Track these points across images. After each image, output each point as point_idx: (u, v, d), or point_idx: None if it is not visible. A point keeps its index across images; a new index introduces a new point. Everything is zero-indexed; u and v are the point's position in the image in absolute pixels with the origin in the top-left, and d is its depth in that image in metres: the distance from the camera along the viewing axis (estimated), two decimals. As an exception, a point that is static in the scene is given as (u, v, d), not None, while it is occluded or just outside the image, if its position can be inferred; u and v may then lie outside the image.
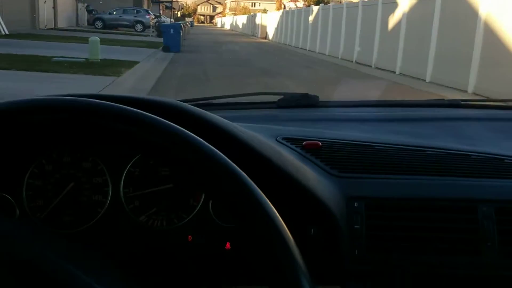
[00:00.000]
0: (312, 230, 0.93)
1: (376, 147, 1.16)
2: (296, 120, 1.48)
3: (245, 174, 0.60)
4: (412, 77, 12.89)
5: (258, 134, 0.97)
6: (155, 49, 18.69)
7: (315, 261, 0.82)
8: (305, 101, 1.58)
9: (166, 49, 18.33)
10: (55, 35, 22.07)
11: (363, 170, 1.06)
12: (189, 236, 1.00)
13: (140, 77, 10.84)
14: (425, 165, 1.09)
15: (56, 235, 0.75)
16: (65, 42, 18.10)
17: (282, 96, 1.59)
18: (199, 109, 0.90)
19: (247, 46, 25.95)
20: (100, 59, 12.48)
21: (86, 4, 38.75)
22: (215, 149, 0.61)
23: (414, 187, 1.03)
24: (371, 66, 15.72)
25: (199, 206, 1.00)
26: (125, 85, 9.38)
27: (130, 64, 12.54)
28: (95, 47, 12.31)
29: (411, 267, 0.96)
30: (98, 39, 12.44)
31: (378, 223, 0.98)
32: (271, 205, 0.59)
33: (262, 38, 37.59)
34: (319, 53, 22.09)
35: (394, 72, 14.07)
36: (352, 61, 17.36)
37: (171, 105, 0.87)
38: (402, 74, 13.57)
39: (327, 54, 20.84)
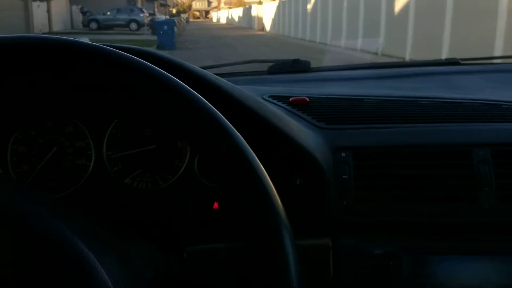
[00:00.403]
0: (298, 180, 0.92)
1: (365, 100, 1.15)
2: (285, 82, 1.46)
3: (224, 117, 0.58)
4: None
5: (244, 90, 0.93)
6: (149, 47, 18.06)
7: (303, 214, 0.88)
8: (297, 66, 1.56)
9: (160, 47, 17.73)
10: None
11: (351, 121, 1.04)
12: (175, 198, 0.98)
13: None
14: (416, 113, 1.07)
15: (43, 192, 0.72)
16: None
17: (273, 63, 1.58)
18: (176, 58, 0.88)
19: (244, 40, 25.33)
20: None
21: (80, 6, 38.25)
22: (196, 93, 0.59)
23: (404, 134, 1.00)
24: (377, 54, 14.96)
25: (184, 166, 0.99)
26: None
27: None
28: (85, 49, 11.63)
29: (404, 216, 0.94)
30: (88, 40, 11.75)
31: (367, 173, 0.95)
32: (253, 153, 0.57)
33: (260, 30, 37.09)
34: (319, 42, 21.34)
35: (404, 58, 13.29)
36: (356, 50, 16.59)
37: (148, 53, 0.86)
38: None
39: (328, 43, 20.09)
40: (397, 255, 0.92)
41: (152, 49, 0.88)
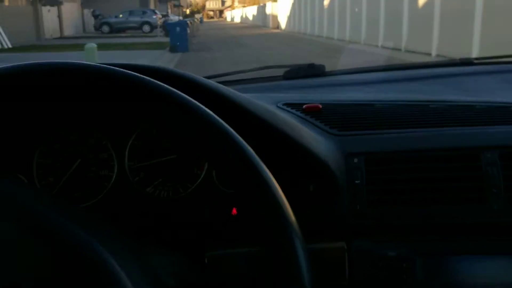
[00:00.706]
0: (311, 187, 0.95)
1: (376, 105, 1.17)
2: (299, 88, 1.49)
3: (233, 131, 0.61)
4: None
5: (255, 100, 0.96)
6: (161, 50, 17.60)
7: (318, 218, 0.92)
8: (311, 71, 1.59)
9: (173, 49, 17.17)
10: (59, 44, 21.38)
11: (363, 127, 1.06)
12: (195, 205, 1.01)
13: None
14: (426, 118, 1.08)
15: (73, 206, 0.77)
16: (66, 51, 17.03)
17: (289, 68, 1.63)
18: (188, 73, 0.91)
19: (259, 38, 24.69)
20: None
21: (92, 10, 37.93)
22: (206, 109, 0.61)
23: (414, 139, 1.02)
24: (400, 50, 14.11)
25: (202, 174, 1.01)
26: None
27: (132, 71, 11.28)
28: (92, 55, 11.03)
29: (416, 219, 0.95)
30: (95, 45, 11.17)
31: (379, 177, 0.97)
32: (261, 163, 0.59)
33: (274, 28, 36.51)
34: (337, 39, 20.54)
35: (430, 54, 12.44)
36: (378, 46, 15.77)
37: (159, 70, 0.88)
38: (439, 56, 12.00)
39: (347, 40, 19.29)
40: (411, 256, 0.94)
41: (164, 67, 0.90)
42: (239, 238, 0.92)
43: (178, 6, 65.33)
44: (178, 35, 17.30)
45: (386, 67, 1.72)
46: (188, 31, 18.31)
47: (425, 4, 13.00)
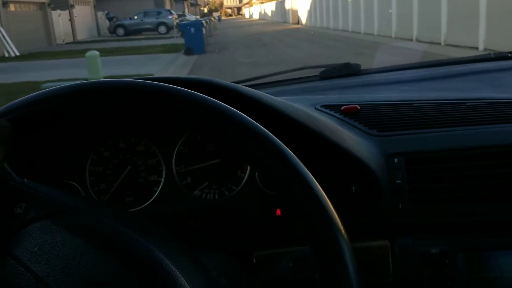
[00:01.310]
0: (354, 188, 0.97)
1: (414, 104, 1.18)
2: (336, 88, 1.49)
3: (274, 136, 0.63)
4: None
5: (294, 103, 0.99)
6: (176, 53, 16.45)
7: (361, 218, 0.95)
8: (347, 70, 1.60)
9: (188, 51, 15.99)
10: (70, 49, 20.36)
11: (402, 127, 1.07)
12: (241, 206, 1.04)
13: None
14: (464, 116, 1.09)
15: (128, 212, 0.88)
16: (75, 57, 15.85)
17: (324, 68, 1.64)
18: (230, 82, 0.94)
19: (280, 35, 23.40)
20: (104, 78, 10.05)
21: (106, 12, 37.05)
22: (255, 122, 0.64)
23: (454, 138, 1.03)
24: (440, 44, 12.56)
25: (246, 177, 1.04)
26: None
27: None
28: (94, 64, 9.83)
29: (457, 216, 0.97)
30: (97, 53, 9.95)
31: (420, 177, 0.98)
32: (303, 166, 0.62)
33: (294, 24, 35.24)
34: (365, 33, 19.06)
35: (477, 48, 10.92)
36: (412, 40, 14.26)
37: (204, 82, 0.91)
38: (488, 50, 10.49)
39: (375, 34, 17.81)
40: (453, 253, 0.96)
41: (209, 78, 0.93)
42: (285, 238, 0.97)
43: (195, 5, 64.34)
44: (193, 36, 16.16)
45: (420, 64, 1.74)
46: (204, 32, 17.07)
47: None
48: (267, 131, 0.63)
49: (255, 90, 0.94)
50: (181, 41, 16.67)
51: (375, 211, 0.96)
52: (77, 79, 9.94)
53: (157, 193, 1.03)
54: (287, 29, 30.58)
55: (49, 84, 9.49)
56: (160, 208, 1.03)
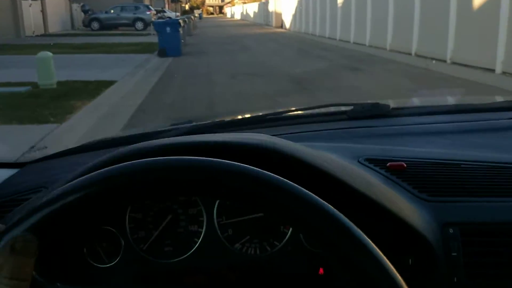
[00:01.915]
0: (410, 260, 0.94)
1: (462, 165, 1.14)
2: (373, 137, 1.45)
3: (335, 210, 0.63)
4: None
5: (340, 158, 1.01)
6: (149, 54, 14.87)
7: None
8: (376, 111, 1.54)
9: (162, 53, 14.50)
10: (38, 43, 18.49)
11: (453, 193, 1.03)
12: (282, 263, 1.02)
13: (104, 115, 6.76)
14: None
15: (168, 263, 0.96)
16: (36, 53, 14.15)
17: (352, 107, 1.56)
18: (289, 146, 0.93)
19: (263, 40, 22.10)
20: (58, 82, 8.54)
21: (81, 4, 35.24)
22: (312, 194, 0.64)
23: (510, 209, 0.99)
24: (445, 61, 11.26)
25: (289, 233, 1.02)
26: (66, 140, 5.25)
27: (99, 88, 8.59)
28: (47, 67, 8.31)
29: None
30: (50, 54, 8.42)
31: (477, 250, 0.95)
32: (358, 230, 0.62)
33: (278, 28, 34.00)
34: (354, 43, 17.79)
35: (493, 70, 9.61)
36: (411, 54, 12.97)
37: (268, 149, 0.91)
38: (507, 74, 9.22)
39: (367, 44, 16.53)
40: None
41: (272, 143, 0.91)
42: None
43: (176, 1, 62.63)
44: (169, 37, 14.73)
45: (453, 108, 1.72)
46: (181, 32, 15.58)
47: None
48: (319, 198, 0.63)
49: (313, 153, 0.93)
50: (157, 39, 15.17)
51: (430, 284, 0.93)
52: (30, 84, 8.44)
53: (197, 244, 1.02)
54: (270, 32, 29.30)
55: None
56: (199, 260, 1.01)
